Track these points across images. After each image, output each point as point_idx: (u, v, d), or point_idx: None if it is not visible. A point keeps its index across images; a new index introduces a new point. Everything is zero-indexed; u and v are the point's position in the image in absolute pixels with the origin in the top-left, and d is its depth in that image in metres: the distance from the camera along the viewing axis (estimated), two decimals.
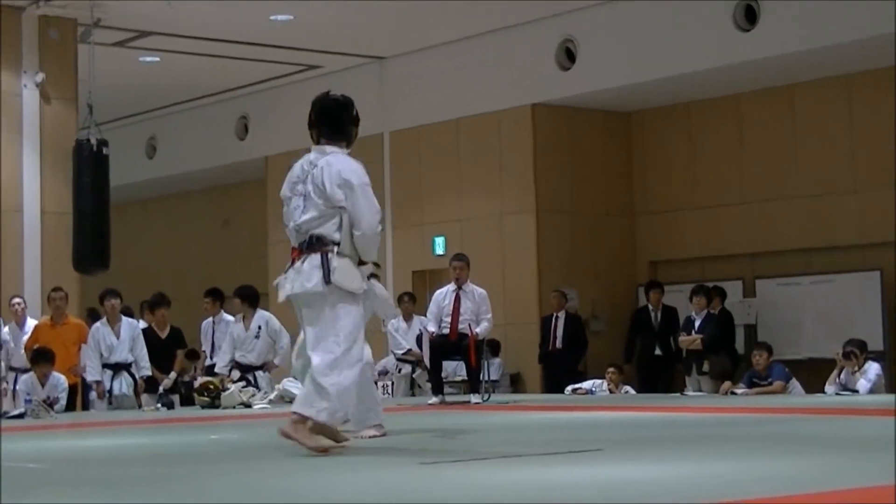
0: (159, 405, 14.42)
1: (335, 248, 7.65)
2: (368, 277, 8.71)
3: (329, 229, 7.71)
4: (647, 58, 16.65)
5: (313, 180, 7.81)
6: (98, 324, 14.67)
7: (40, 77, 16.43)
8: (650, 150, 18.39)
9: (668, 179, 18.16)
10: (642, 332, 16.86)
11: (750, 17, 15.70)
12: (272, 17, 17.18)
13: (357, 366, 7.70)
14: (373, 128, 19.65)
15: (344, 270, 7.62)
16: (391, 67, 19.50)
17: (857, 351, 13.67)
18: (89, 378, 14.47)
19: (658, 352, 16.60)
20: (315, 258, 7.65)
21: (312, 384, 7.59)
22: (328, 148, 7.95)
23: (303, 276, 7.67)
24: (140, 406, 14.48)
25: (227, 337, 15.17)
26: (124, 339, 14.60)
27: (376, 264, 8.16)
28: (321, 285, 7.60)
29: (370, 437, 8.53)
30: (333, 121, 8.02)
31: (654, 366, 16.65)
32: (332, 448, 7.66)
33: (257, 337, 14.81)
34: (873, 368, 13.63)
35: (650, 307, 16.85)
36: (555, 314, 17.03)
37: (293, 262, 7.78)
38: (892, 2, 14.36)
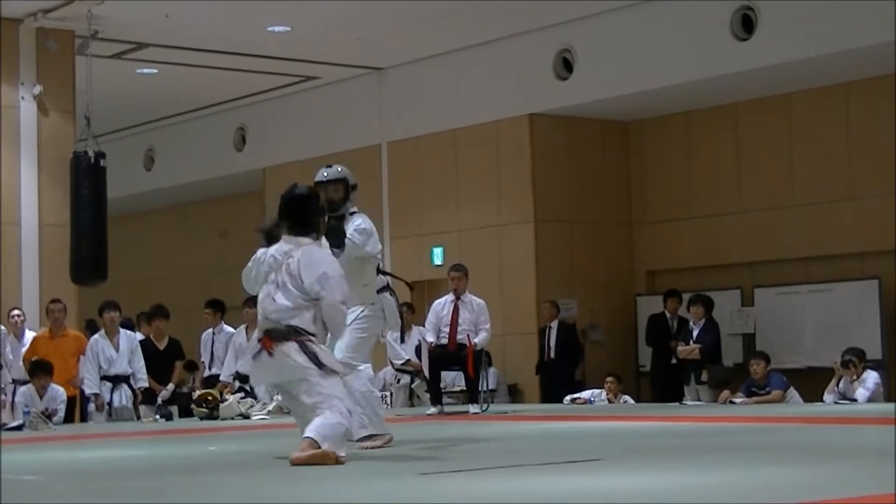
0: (158, 417, 14.41)
1: (312, 339, 8.01)
2: (380, 291, 8.95)
3: (305, 320, 8.06)
4: (645, 67, 16.65)
5: (289, 271, 8.14)
6: (97, 336, 14.66)
7: (38, 89, 16.43)
8: (648, 159, 18.39)
9: (666, 189, 18.16)
10: (659, 339, 16.73)
11: (747, 26, 15.71)
12: (269, 29, 17.19)
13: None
14: (371, 139, 19.69)
15: (327, 353, 8.10)
16: (389, 78, 19.51)
17: (856, 360, 13.67)
18: (88, 390, 14.45)
19: (674, 360, 16.49)
20: (292, 346, 7.99)
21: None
22: (302, 240, 8.26)
23: (286, 365, 8.02)
24: (138, 418, 14.47)
25: (231, 347, 15.20)
26: (123, 351, 14.59)
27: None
28: (307, 369, 7.95)
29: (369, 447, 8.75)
30: (300, 214, 8.33)
31: (670, 374, 16.51)
32: None
33: None
34: (872, 377, 13.63)
35: (667, 315, 16.76)
36: (548, 324, 17.00)
37: (266, 351, 8.10)
38: (888, 10, 14.38)
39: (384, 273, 9.54)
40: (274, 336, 8.06)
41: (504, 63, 17.98)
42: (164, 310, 15.67)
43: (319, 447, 7.69)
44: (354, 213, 9.44)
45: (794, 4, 15.24)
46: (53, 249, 16.11)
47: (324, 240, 8.42)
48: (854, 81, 16.13)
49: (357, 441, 8.74)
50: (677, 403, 15.10)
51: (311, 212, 8.36)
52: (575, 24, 17.16)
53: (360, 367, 9.17)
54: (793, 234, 16.79)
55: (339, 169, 9.55)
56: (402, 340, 15.03)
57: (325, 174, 9.48)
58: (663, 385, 16.56)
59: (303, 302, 8.07)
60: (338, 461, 7.69)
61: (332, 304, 8.05)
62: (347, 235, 9.12)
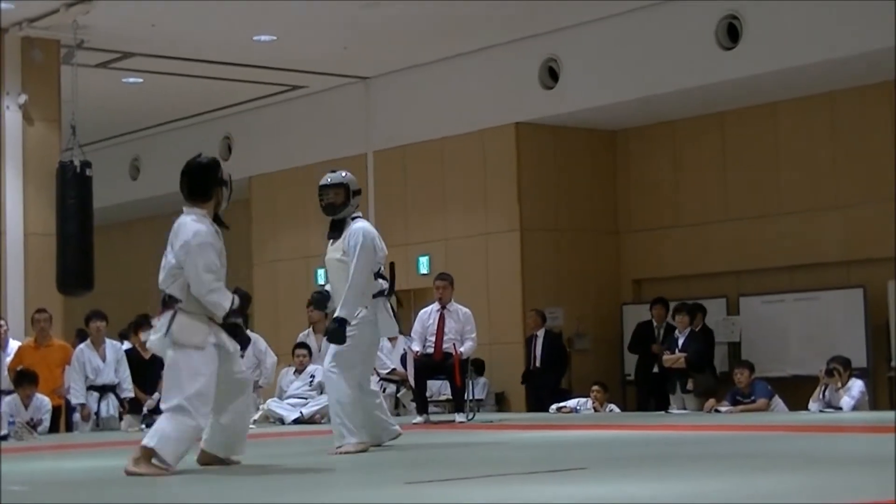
0: (143, 426, 14.36)
1: (179, 306, 8.12)
2: (375, 296, 9.26)
3: (175, 289, 8.19)
4: (631, 76, 16.68)
5: (170, 241, 8.32)
6: (83, 346, 14.62)
7: (23, 98, 16.40)
8: (634, 168, 18.42)
9: (652, 197, 18.19)
10: (643, 347, 16.77)
11: (733, 35, 15.74)
12: (255, 38, 17.20)
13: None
14: (357, 148, 19.69)
15: (183, 326, 8.09)
16: (375, 87, 19.51)
17: (841, 368, 13.69)
18: (73, 400, 14.41)
19: (656, 369, 16.55)
20: (165, 316, 8.15)
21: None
22: (186, 209, 8.39)
23: (156, 332, 8.19)
24: (121, 421, 14.45)
25: None
26: (109, 361, 14.57)
27: (398, 300, 9.41)
28: (163, 340, 8.12)
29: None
30: (192, 182, 8.41)
31: (650, 383, 16.59)
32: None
33: (242, 356, 14.76)
34: (857, 386, 13.65)
35: (654, 323, 16.78)
36: (534, 333, 17.01)
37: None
38: (873, 19, 14.42)
39: (383, 277, 9.65)
40: (161, 305, 8.21)
41: (490, 72, 18.00)
42: (148, 319, 15.61)
43: (148, 454, 7.89)
44: (357, 217, 9.66)
45: (779, 14, 15.28)
46: (39, 259, 16.08)
47: (195, 213, 8.34)
48: (839, 90, 16.17)
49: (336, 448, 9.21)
50: (663, 412, 15.10)
51: (203, 181, 8.38)
52: (561, 34, 17.19)
53: (340, 377, 9.33)
54: (778, 242, 16.82)
55: (342, 174, 9.73)
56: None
57: (328, 178, 9.71)
58: (646, 393, 16.59)
59: (176, 270, 8.18)
60: (160, 468, 7.85)
61: (189, 275, 8.10)
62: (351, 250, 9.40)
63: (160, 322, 8.18)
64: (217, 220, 8.46)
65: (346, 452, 9.17)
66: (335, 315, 9.36)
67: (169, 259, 8.23)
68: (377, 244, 9.58)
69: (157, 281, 8.29)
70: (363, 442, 9.32)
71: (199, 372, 8.06)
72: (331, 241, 9.67)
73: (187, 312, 8.11)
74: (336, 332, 9.28)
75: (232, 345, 8.33)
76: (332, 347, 9.42)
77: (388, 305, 9.63)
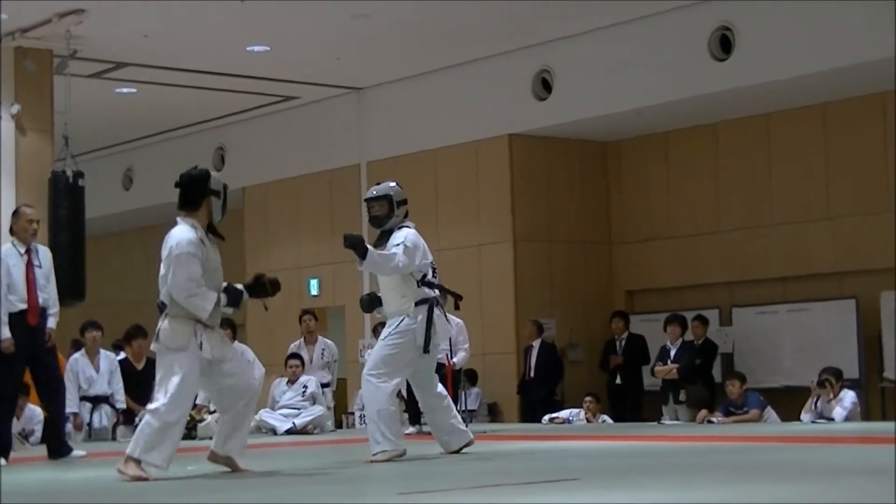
0: None
1: (167, 311, 8.52)
2: (420, 303, 9.48)
3: (164, 295, 8.58)
4: (624, 88, 16.70)
5: (162, 249, 8.67)
6: (77, 355, 14.61)
7: (16, 108, 16.37)
8: (627, 179, 18.43)
9: (645, 208, 18.20)
10: (606, 362, 16.92)
11: (725, 46, 15.77)
12: (248, 49, 17.20)
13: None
14: (350, 158, 19.70)
15: (167, 330, 8.47)
16: (368, 98, 19.52)
17: (833, 379, 13.71)
18: (66, 410, 14.36)
19: (618, 381, 16.63)
20: (161, 322, 8.56)
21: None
22: (178, 218, 8.72)
23: (154, 339, 8.59)
24: (114, 438, 14.41)
25: None
26: (103, 371, 14.56)
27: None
28: (156, 345, 8.53)
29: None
30: (182, 192, 8.75)
31: (615, 396, 16.68)
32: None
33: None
34: (849, 396, 13.67)
35: (615, 336, 16.87)
36: (530, 344, 17.03)
37: None
38: (866, 31, 14.45)
39: (432, 286, 9.73)
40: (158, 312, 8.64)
41: (483, 83, 18.01)
42: (142, 330, 15.61)
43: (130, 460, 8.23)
44: (403, 227, 9.83)
45: (772, 25, 15.31)
46: None
47: (184, 222, 8.64)
48: (832, 102, 16.20)
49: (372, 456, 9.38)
50: (656, 423, 15.11)
51: (192, 192, 8.72)
52: (554, 45, 17.21)
53: (379, 384, 9.46)
54: (771, 253, 16.83)
55: (387, 185, 9.94)
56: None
57: (373, 191, 9.95)
58: (613, 407, 16.59)
59: (166, 274, 8.55)
60: (137, 475, 8.19)
61: (171, 282, 8.45)
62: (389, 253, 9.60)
63: (157, 328, 8.54)
64: (212, 229, 8.73)
65: (382, 461, 9.27)
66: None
67: (161, 266, 8.55)
68: (420, 245, 9.72)
69: (150, 291, 8.40)
70: (398, 450, 9.43)
71: (175, 372, 8.35)
72: (378, 249, 9.77)
73: (172, 317, 8.45)
74: (355, 239, 9.44)
75: (216, 352, 8.51)
76: (374, 354, 9.64)
77: (436, 312, 9.67)
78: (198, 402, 15.00)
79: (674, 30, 16.17)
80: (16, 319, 11.20)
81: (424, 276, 9.70)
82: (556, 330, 17.74)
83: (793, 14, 15.07)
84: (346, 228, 19.74)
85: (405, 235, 9.69)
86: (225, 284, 8.72)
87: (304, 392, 15.32)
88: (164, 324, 8.47)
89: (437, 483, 7.65)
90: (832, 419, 13.47)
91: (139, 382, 15.13)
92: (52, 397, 11.53)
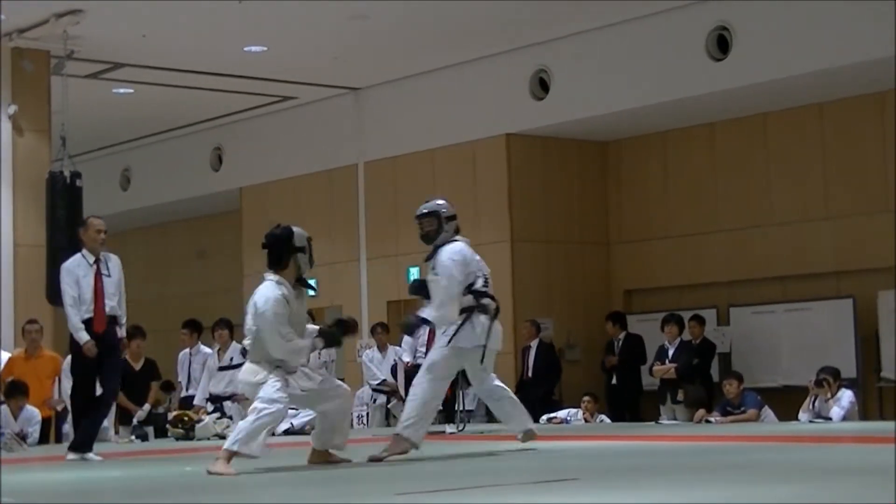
0: (133, 437, 14.34)
1: (248, 356, 9.30)
2: (465, 311, 9.63)
3: (247, 342, 9.31)
4: (621, 87, 16.70)
5: (250, 300, 9.32)
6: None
7: (13, 109, 16.37)
8: (625, 179, 18.43)
9: (643, 208, 18.20)
10: (603, 362, 16.95)
11: (722, 46, 15.77)
12: (246, 49, 17.20)
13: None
14: (348, 158, 19.69)
15: (247, 371, 9.21)
16: (366, 98, 19.52)
17: (831, 378, 13.72)
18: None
19: (614, 381, 16.62)
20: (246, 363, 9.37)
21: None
22: (265, 275, 9.30)
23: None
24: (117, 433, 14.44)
25: (206, 370, 15.16)
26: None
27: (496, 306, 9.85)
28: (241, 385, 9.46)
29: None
30: (270, 252, 9.34)
31: (613, 396, 16.68)
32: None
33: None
34: (846, 396, 13.68)
35: (612, 337, 16.89)
36: (528, 344, 17.02)
37: None
38: (862, 31, 14.45)
39: (478, 293, 9.84)
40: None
41: (481, 83, 18.01)
42: (140, 330, 15.61)
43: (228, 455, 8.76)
44: (453, 241, 10.03)
45: (769, 25, 15.31)
46: (29, 270, 16.04)
47: (272, 278, 9.24)
48: (829, 101, 16.20)
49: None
50: (653, 423, 15.11)
51: (277, 251, 9.30)
52: (551, 45, 17.21)
53: (425, 380, 9.69)
54: (769, 253, 16.83)
55: (435, 202, 10.19)
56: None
57: (422, 209, 10.17)
58: (610, 407, 16.60)
59: (250, 329, 9.21)
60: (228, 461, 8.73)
61: (264, 340, 9.07)
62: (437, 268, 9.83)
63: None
64: (301, 281, 9.39)
65: (395, 453, 9.50)
66: (420, 314, 9.83)
67: (247, 318, 9.22)
68: (466, 258, 9.87)
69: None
70: (415, 443, 9.57)
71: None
72: (429, 262, 10.01)
73: (254, 361, 9.18)
74: (409, 325, 10.17)
75: (303, 384, 9.20)
76: (428, 360, 9.87)
77: (482, 319, 9.79)
78: (195, 402, 15.02)
79: (671, 30, 16.18)
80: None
81: (471, 284, 9.83)
82: (554, 330, 17.74)
83: (789, 14, 15.08)
84: (344, 229, 19.93)
85: (451, 250, 9.88)
86: (317, 328, 9.53)
87: None
88: (246, 365, 9.21)
89: (435, 483, 7.65)
90: (830, 419, 13.48)
91: (136, 383, 15.13)
92: (99, 406, 11.50)
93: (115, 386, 11.69)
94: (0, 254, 16.27)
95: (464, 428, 13.95)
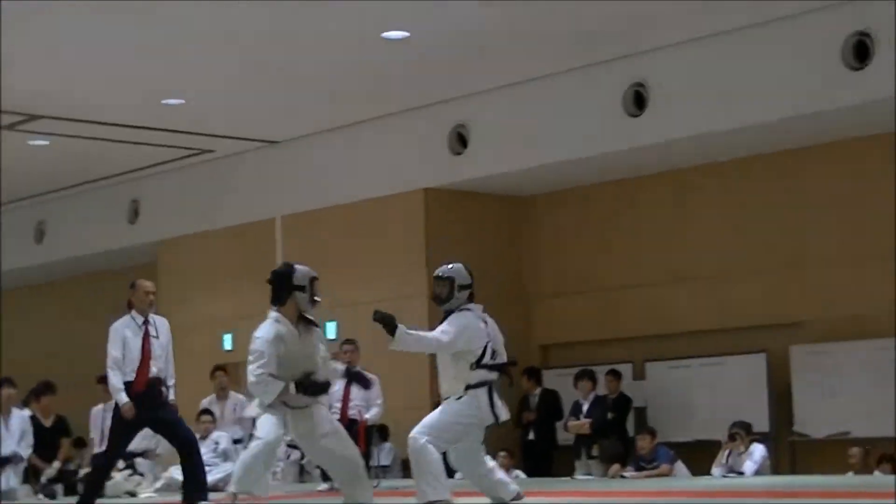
0: (41, 496, 14.12)
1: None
2: (473, 386, 10.07)
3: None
4: (540, 143, 16.76)
5: None
6: None
7: None
8: (544, 234, 18.47)
9: (562, 263, 18.24)
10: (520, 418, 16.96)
11: (639, 102, 15.91)
12: (164, 102, 17.12)
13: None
14: (265, 212, 19.62)
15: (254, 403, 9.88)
16: (283, 151, 19.48)
17: (743, 433, 13.82)
18: None
19: (531, 436, 16.62)
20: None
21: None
22: (270, 311, 9.93)
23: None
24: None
25: None
26: (14, 430, 14.30)
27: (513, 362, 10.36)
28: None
29: None
30: (272, 288, 9.96)
31: (528, 451, 16.67)
32: None
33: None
34: (759, 450, 13.78)
35: (528, 393, 16.89)
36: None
37: None
38: (777, 89, 14.63)
39: (490, 367, 10.06)
40: None
41: (399, 137, 18.03)
42: (51, 386, 15.42)
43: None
44: (464, 309, 10.13)
45: (684, 82, 15.45)
46: None
47: (272, 315, 9.87)
48: (745, 158, 16.35)
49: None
50: (568, 478, 15.11)
51: (278, 288, 9.87)
52: (469, 100, 17.26)
53: (421, 440, 9.98)
54: (685, 307, 16.93)
55: (450, 267, 10.29)
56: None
57: (439, 271, 10.30)
58: (532, 462, 16.59)
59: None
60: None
61: (248, 371, 9.64)
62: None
63: None
64: (305, 319, 9.86)
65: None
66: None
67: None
68: (470, 328, 9.98)
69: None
70: (447, 500, 9.69)
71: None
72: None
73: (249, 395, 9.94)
74: (385, 317, 9.89)
75: (299, 430, 9.87)
76: (436, 416, 10.04)
77: (490, 394, 10.10)
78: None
79: (589, 85, 16.27)
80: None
81: (480, 358, 9.83)
82: None
83: (708, 71, 15.23)
84: (260, 283, 19.71)
85: (456, 319, 10.00)
86: (302, 378, 9.77)
87: (215, 448, 15.16)
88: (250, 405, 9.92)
89: None
90: (742, 473, 13.56)
91: (47, 439, 14.91)
92: (192, 453, 11.29)
93: (188, 431, 11.42)
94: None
95: (378, 484, 13.86)
